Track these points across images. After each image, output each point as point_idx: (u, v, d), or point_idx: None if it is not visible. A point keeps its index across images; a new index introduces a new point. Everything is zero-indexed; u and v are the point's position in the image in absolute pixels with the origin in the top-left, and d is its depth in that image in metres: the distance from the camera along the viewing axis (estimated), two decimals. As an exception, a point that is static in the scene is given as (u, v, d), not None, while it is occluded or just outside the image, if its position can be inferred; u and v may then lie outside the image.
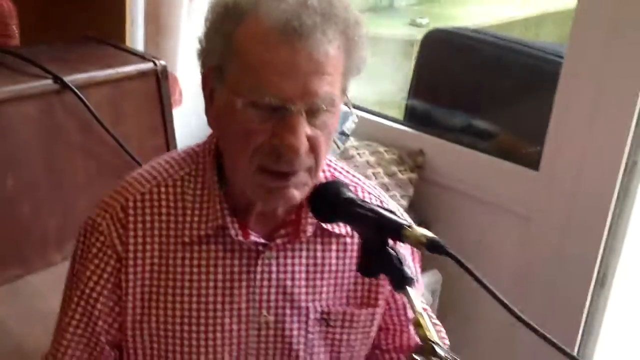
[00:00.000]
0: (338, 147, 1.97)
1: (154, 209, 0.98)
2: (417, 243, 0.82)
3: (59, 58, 1.57)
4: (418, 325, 0.80)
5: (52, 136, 1.49)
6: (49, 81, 1.48)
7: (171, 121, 1.72)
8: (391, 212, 0.87)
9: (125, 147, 1.55)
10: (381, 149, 2.00)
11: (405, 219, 0.88)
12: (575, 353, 1.72)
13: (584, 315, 1.72)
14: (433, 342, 0.78)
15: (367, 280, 1.04)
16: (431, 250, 0.81)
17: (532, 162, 1.75)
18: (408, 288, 0.83)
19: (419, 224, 2.01)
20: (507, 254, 1.84)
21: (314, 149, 0.90)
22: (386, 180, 1.93)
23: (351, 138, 2.03)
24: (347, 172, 1.07)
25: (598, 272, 1.69)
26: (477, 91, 2.05)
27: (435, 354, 0.78)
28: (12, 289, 1.39)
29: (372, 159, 1.98)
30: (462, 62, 2.06)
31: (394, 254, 0.85)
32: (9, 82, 1.44)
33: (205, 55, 0.93)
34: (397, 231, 0.83)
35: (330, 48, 0.87)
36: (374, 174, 1.93)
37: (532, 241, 1.77)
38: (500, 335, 1.81)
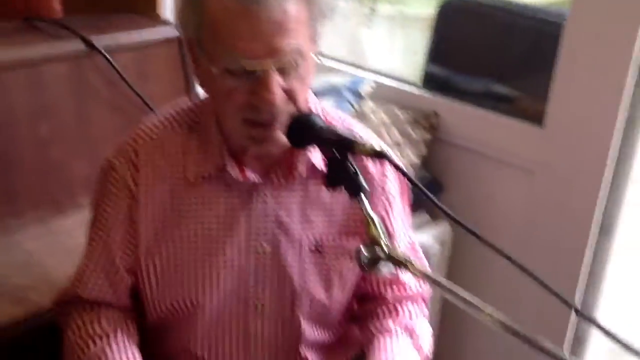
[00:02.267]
0: (354, 108, 2.09)
1: (162, 152, 1.11)
2: (366, 154, 0.94)
3: (93, 25, 1.75)
4: (367, 224, 0.92)
5: (83, 93, 1.68)
6: (80, 44, 1.67)
7: (193, 85, 1.88)
8: (350, 133, 1.00)
9: (147, 102, 1.72)
10: (397, 111, 2.10)
11: (361, 138, 1.00)
12: (579, 303, 1.80)
13: (588, 266, 1.78)
14: (379, 240, 0.90)
15: (357, 213, 1.12)
16: (377, 157, 0.93)
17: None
18: (362, 195, 0.95)
19: (431, 181, 2.09)
20: (514, 207, 1.91)
21: (291, 97, 1.01)
22: (400, 139, 2.03)
23: (369, 101, 2.15)
24: (329, 111, 1.17)
25: (602, 223, 1.75)
26: (491, 56, 2.12)
27: (380, 250, 0.90)
28: (44, 227, 1.58)
29: (387, 120, 2.08)
30: (476, 28, 2.14)
31: (351, 167, 0.96)
32: (45, 45, 1.64)
33: (184, 27, 1.04)
34: (352, 146, 0.95)
35: (287, 5, 0.95)
36: (388, 133, 2.03)
37: (537, 195, 1.85)
38: (508, 284, 1.90)
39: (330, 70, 2.23)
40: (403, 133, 2.04)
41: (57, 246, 1.52)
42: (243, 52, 0.96)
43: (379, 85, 2.16)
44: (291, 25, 0.96)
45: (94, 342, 1.11)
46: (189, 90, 1.85)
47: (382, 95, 2.15)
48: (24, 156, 1.58)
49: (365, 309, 1.25)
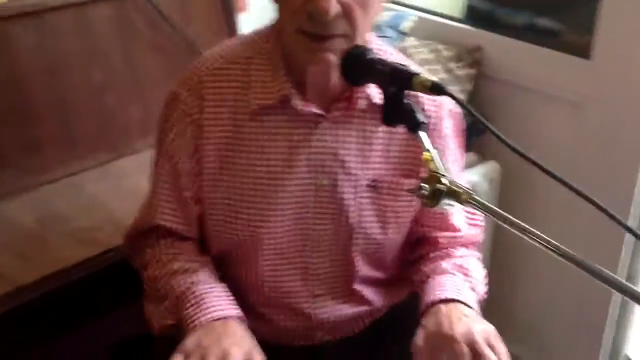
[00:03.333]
0: (395, 45, 2.10)
1: (226, 82, 1.13)
2: (423, 88, 0.96)
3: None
4: (427, 160, 0.96)
5: (128, 36, 1.72)
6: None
7: (234, 25, 1.91)
8: (405, 66, 1.01)
9: (192, 43, 1.76)
10: (440, 47, 2.11)
11: (416, 71, 1.01)
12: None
13: (639, 203, 1.81)
14: (439, 173, 0.94)
15: (414, 152, 1.17)
16: (435, 91, 0.96)
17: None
18: (420, 132, 0.99)
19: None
20: (561, 142, 1.93)
21: (347, 14, 1.01)
22: (444, 76, 2.04)
23: (411, 38, 2.15)
24: (384, 47, 1.18)
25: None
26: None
27: (440, 183, 0.94)
28: (103, 171, 1.66)
29: (430, 56, 2.09)
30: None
31: (408, 103, 1.00)
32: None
33: None
34: (408, 80, 0.97)
35: None
36: (431, 70, 2.05)
37: (585, 129, 1.86)
38: (557, 221, 1.94)
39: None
40: (447, 69, 2.06)
41: (117, 188, 1.59)
42: None
43: (421, 21, 2.16)
44: None
45: (181, 278, 1.14)
46: (232, 32, 1.89)
47: (423, 31, 2.16)
48: (81, 102, 1.65)
49: (418, 254, 1.29)
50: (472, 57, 2.06)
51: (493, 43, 2.03)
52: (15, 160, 1.56)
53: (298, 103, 1.11)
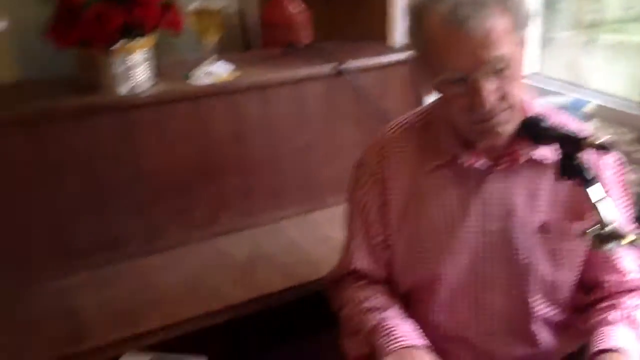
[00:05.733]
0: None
1: (403, 147, 1.40)
2: (592, 147, 1.16)
3: (339, 50, 2.16)
4: (594, 209, 1.15)
5: (332, 108, 2.08)
6: (331, 67, 2.07)
7: (422, 99, 2.20)
8: (573, 132, 1.21)
9: (386, 116, 2.07)
10: (620, 130, 2.25)
11: (585, 135, 1.19)
12: None
13: None
14: (605, 219, 1.12)
15: (580, 196, 1.27)
16: (600, 149, 1.15)
17: None
18: (589, 187, 1.17)
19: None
20: None
21: (503, 96, 1.23)
22: (624, 158, 2.17)
23: (593, 121, 2.31)
24: (550, 110, 1.39)
25: None
26: None
27: (606, 227, 1.12)
28: (301, 219, 2.01)
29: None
30: None
31: (578, 162, 1.19)
32: (304, 66, 2.07)
33: (411, 47, 1.33)
34: (579, 143, 1.18)
35: (488, 23, 1.15)
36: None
37: None
38: None
39: (552, 92, 2.43)
40: (627, 152, 2.18)
41: (312, 235, 1.92)
42: (454, 65, 1.21)
43: (602, 106, 2.32)
44: (493, 37, 1.16)
45: (373, 314, 1.35)
46: (419, 104, 2.18)
47: (605, 115, 2.31)
48: (287, 160, 2.02)
49: (590, 300, 1.42)
50: (652, 141, 2.17)
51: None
52: (234, 203, 1.95)
53: (466, 160, 1.33)
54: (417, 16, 1.25)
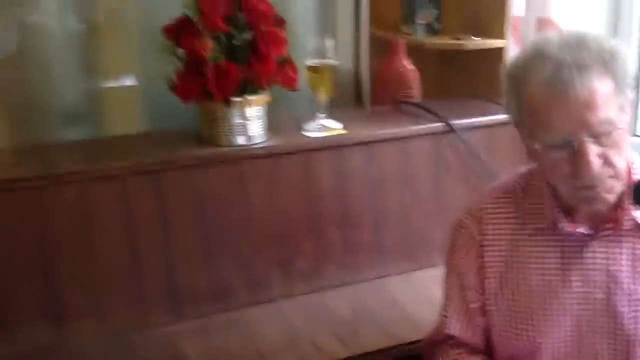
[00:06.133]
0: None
1: (502, 210, 1.39)
2: None
3: (447, 108, 2.17)
4: None
5: (439, 165, 2.09)
6: (439, 124, 2.09)
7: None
8: None
9: (494, 176, 2.05)
10: None
11: None
12: None
13: None
14: None
15: None
16: None
17: None
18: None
19: None
20: None
21: (608, 162, 1.20)
22: None
23: None
24: None
25: None
26: None
27: None
28: (405, 277, 2.01)
29: None
30: None
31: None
32: (411, 123, 2.10)
33: (508, 111, 1.32)
34: None
35: (592, 85, 1.15)
36: None
37: None
38: None
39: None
40: None
41: (416, 294, 1.91)
42: (558, 130, 1.19)
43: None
44: (597, 100, 1.15)
45: None
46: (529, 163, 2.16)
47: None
48: (392, 217, 2.03)
49: None
50: None
51: None
52: (337, 257, 1.97)
53: (566, 226, 1.31)
54: (516, 80, 1.25)
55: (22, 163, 1.81)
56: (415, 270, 2.03)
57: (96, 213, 1.74)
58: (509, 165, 2.13)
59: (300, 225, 1.95)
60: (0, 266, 1.65)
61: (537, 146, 1.23)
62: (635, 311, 1.30)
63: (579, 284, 1.32)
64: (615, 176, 1.22)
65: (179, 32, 1.80)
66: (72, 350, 1.67)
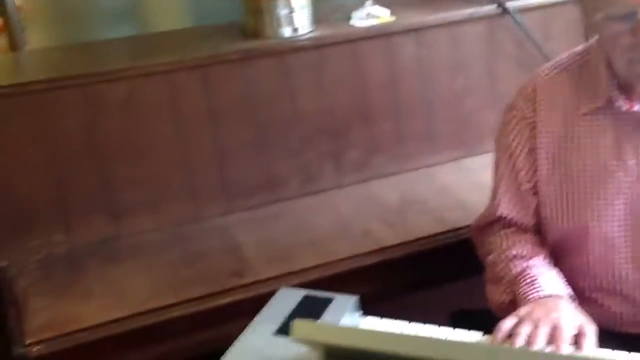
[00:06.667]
0: None
1: (556, 89, 1.36)
2: None
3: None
4: None
5: (493, 50, 2.03)
6: (494, 7, 2.02)
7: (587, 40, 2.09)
8: None
9: (549, 57, 1.98)
10: None
11: None
12: None
13: None
14: None
15: None
16: None
17: None
18: None
19: None
20: None
21: None
22: None
23: None
24: None
25: None
26: None
27: None
28: (455, 165, 2.01)
29: None
30: None
31: None
32: (463, 7, 2.03)
33: None
34: None
35: None
36: None
37: None
38: None
39: None
40: None
41: (466, 181, 1.91)
42: (622, 0, 1.16)
43: None
44: None
45: (517, 262, 1.36)
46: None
47: None
48: (443, 104, 2.01)
49: None
50: None
51: None
52: (387, 147, 1.97)
53: (622, 104, 1.27)
54: None
55: (72, 62, 1.85)
56: (465, 157, 2.02)
57: (145, 109, 1.78)
58: (565, 48, 2.08)
59: (350, 117, 1.95)
60: (56, 163, 1.73)
61: (598, 17, 1.20)
62: None
63: (632, 162, 1.29)
64: None
65: None
66: (129, 242, 1.76)
